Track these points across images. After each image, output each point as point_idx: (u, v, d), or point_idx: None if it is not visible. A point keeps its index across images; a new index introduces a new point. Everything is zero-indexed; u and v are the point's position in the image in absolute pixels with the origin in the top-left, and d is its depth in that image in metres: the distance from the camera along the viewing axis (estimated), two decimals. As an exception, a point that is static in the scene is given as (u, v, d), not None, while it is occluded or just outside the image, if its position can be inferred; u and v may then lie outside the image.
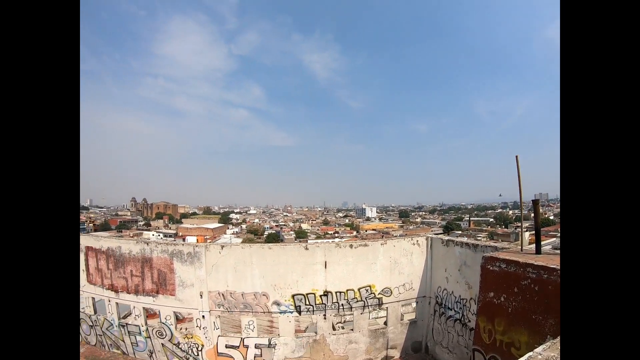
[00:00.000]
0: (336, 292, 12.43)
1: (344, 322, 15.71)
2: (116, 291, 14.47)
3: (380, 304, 12.83)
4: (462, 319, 11.18)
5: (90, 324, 15.54)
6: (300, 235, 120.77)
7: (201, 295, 12.87)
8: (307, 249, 12.62)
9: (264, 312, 12.59)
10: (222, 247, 12.82)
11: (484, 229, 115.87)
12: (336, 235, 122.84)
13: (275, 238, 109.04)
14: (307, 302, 12.38)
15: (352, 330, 12.89)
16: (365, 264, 12.72)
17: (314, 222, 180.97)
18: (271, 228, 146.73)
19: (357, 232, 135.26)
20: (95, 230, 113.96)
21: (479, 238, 67.01)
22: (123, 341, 14.69)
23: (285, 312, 12.43)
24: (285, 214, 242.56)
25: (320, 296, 12.35)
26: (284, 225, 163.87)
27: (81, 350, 15.46)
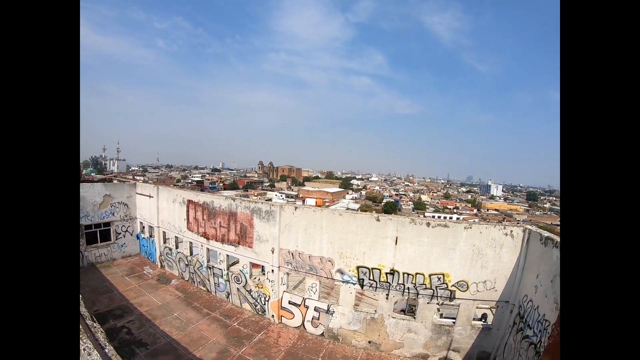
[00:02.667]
0: (404, 273, 11.51)
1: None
2: (207, 238, 16.21)
3: (451, 297, 11.28)
4: (538, 346, 8.78)
5: (186, 262, 17.78)
6: (419, 207, 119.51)
7: (273, 251, 13.55)
8: (378, 220, 11.81)
9: (327, 278, 12.63)
10: (296, 208, 13.19)
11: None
12: (455, 211, 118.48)
13: (392, 207, 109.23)
14: (371, 277, 11.88)
15: (414, 318, 11.89)
16: (442, 248, 11.07)
17: (434, 194, 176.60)
18: (390, 196, 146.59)
19: (478, 210, 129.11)
20: (225, 189, 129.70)
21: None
22: (208, 280, 16.53)
23: (347, 282, 12.22)
24: (406, 183, 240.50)
25: (386, 274, 11.67)
26: (404, 194, 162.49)
27: (175, 283, 17.80)
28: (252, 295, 14.78)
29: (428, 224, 11.19)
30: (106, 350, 4.46)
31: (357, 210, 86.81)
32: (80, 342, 4.24)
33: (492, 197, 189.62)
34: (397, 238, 11.46)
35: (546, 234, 9.79)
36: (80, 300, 6.37)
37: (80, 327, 4.70)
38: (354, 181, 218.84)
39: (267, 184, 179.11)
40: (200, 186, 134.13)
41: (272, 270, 13.74)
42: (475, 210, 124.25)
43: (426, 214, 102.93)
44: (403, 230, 11.43)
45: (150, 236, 20.87)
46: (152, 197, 20.08)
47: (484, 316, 12.78)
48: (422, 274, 11.33)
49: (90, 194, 19.78)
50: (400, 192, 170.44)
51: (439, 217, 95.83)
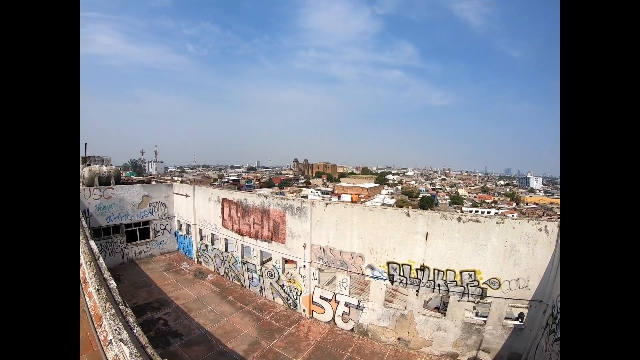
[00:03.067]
0: (434, 270, 11.42)
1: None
2: (241, 235, 16.80)
3: (483, 295, 11.02)
4: None
5: (222, 258, 18.44)
6: (456, 201, 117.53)
7: (304, 247, 13.90)
8: (408, 215, 11.67)
9: (357, 274, 12.78)
10: (327, 204, 13.45)
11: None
12: (493, 205, 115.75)
13: (429, 201, 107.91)
14: (402, 273, 11.90)
15: (444, 316, 11.76)
16: (474, 243, 10.77)
17: (472, 188, 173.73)
18: (427, 191, 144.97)
19: (517, 203, 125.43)
20: (261, 187, 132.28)
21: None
22: (242, 275, 17.10)
23: (378, 277, 12.32)
24: (443, 177, 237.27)
25: (416, 270, 11.65)
26: (440, 189, 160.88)
27: (211, 278, 18.49)
28: (284, 290, 15.18)
29: (459, 219, 10.95)
30: (134, 331, 4.99)
31: (393, 205, 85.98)
32: (113, 323, 4.74)
33: (532, 190, 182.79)
34: (427, 233, 11.36)
35: (584, 229, 9.45)
36: (115, 286, 6.94)
37: (114, 311, 5.22)
38: (389, 176, 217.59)
39: (302, 181, 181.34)
40: (236, 185, 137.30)
41: (304, 266, 14.07)
42: (514, 205, 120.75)
43: (463, 209, 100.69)
44: (433, 225, 11.29)
45: (188, 233, 21.77)
46: (189, 196, 20.98)
47: (521, 315, 12.48)
48: (453, 271, 11.13)
49: (130, 194, 20.94)
50: (437, 187, 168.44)
51: (477, 211, 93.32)
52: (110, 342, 4.70)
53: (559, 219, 8.63)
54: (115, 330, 4.63)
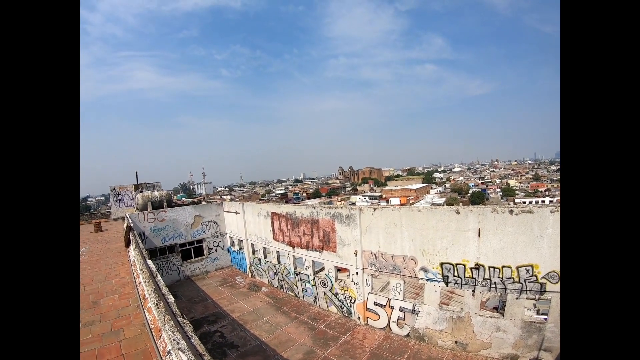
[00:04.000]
0: (489, 267, 11.06)
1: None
2: (292, 246, 17.27)
3: (542, 291, 10.39)
4: None
5: (275, 270, 18.98)
6: (508, 193, 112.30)
7: (355, 254, 14.07)
8: (458, 213, 11.41)
9: (411, 277, 12.71)
10: (375, 209, 13.58)
11: None
12: (547, 193, 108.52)
13: (480, 197, 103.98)
14: (456, 273, 11.69)
15: (502, 316, 11.29)
16: (529, 236, 10.23)
17: (522, 177, 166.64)
18: (476, 186, 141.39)
19: None
20: (308, 198, 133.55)
21: None
22: (296, 286, 17.50)
23: (432, 280, 12.20)
24: (491, 169, 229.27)
25: (471, 269, 11.37)
26: (490, 182, 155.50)
27: (265, 290, 19.04)
28: (338, 298, 15.35)
29: (511, 212, 10.55)
30: (192, 340, 5.27)
31: (443, 204, 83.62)
32: (171, 334, 5.02)
33: None
34: (479, 230, 11.07)
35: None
36: (173, 300, 7.34)
37: (172, 323, 5.52)
38: (436, 174, 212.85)
39: (349, 189, 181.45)
40: (284, 198, 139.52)
41: (357, 273, 14.18)
42: None
43: (516, 200, 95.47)
44: (485, 221, 10.99)
45: (240, 249, 22.60)
46: (238, 213, 21.88)
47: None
48: (509, 267, 10.71)
49: (182, 216, 22.18)
50: (486, 180, 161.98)
51: (530, 202, 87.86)
52: (169, 352, 4.94)
53: (560, 218, 8.28)
54: (174, 340, 4.89)
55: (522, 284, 10.67)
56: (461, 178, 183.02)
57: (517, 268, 10.67)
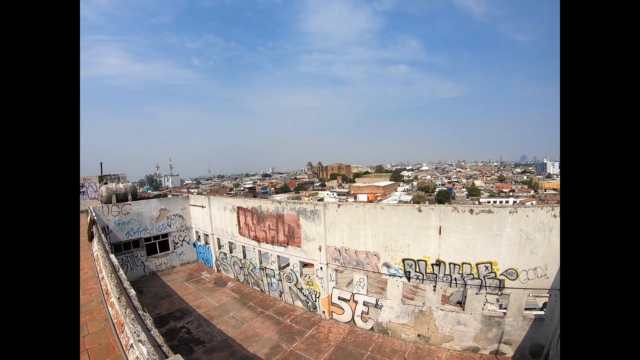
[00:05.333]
0: (450, 264, 11.39)
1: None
2: (258, 241, 17.10)
3: (500, 287, 10.91)
4: None
5: (241, 265, 18.80)
6: (473, 193, 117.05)
7: (320, 249, 14.08)
8: (420, 210, 11.82)
9: (374, 272, 12.86)
10: (339, 205, 13.60)
11: None
12: (511, 194, 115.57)
13: (446, 195, 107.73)
14: (417, 269, 11.92)
15: (463, 310, 11.69)
16: (488, 235, 10.63)
17: (488, 178, 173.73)
18: (443, 185, 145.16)
19: (535, 190, 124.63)
20: (277, 193, 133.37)
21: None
22: (262, 281, 17.41)
23: (394, 275, 12.38)
24: (458, 169, 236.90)
25: (432, 265, 11.65)
26: (456, 181, 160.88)
27: (231, 285, 18.80)
28: (303, 293, 15.36)
29: (471, 211, 10.87)
30: (152, 333, 5.31)
31: (410, 201, 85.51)
32: (132, 327, 5.07)
33: (549, 176, 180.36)
34: (440, 228, 11.33)
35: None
36: (134, 294, 7.40)
37: (133, 316, 5.54)
38: (404, 172, 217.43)
39: (317, 184, 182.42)
40: (252, 193, 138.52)
41: (321, 268, 14.23)
42: (532, 192, 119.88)
43: (481, 200, 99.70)
44: (446, 219, 11.26)
45: (206, 243, 22.19)
46: (205, 207, 21.40)
47: (546, 305, 12.34)
48: (469, 264, 11.06)
49: (147, 209, 21.50)
50: (453, 180, 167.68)
51: (494, 202, 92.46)
52: (131, 345, 4.95)
53: (560, 218, 8.50)
54: (135, 332, 4.93)
55: (481, 280, 11.02)
56: (428, 177, 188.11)
57: (477, 265, 11.00)
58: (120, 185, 22.83)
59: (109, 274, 8.11)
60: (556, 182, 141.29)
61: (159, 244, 22.26)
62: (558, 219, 9.98)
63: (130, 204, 20.93)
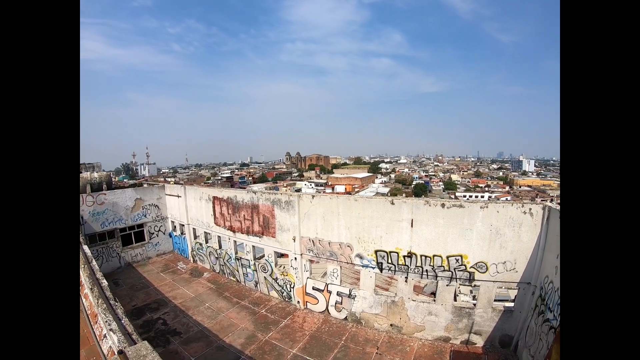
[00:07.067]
0: (421, 256, 11.61)
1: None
2: (234, 231, 17.03)
3: (471, 279, 11.22)
4: (557, 329, 8.45)
5: (216, 256, 18.71)
6: (449, 187, 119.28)
7: (294, 240, 14.15)
8: (393, 203, 11.90)
9: (347, 263, 13.03)
10: (313, 197, 13.67)
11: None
12: (487, 189, 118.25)
13: (422, 188, 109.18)
14: (390, 261, 12.12)
15: (434, 301, 11.96)
16: (459, 229, 10.95)
17: (465, 173, 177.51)
18: (420, 178, 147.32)
19: (511, 187, 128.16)
20: (254, 183, 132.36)
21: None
22: (237, 271, 17.39)
23: (367, 266, 12.56)
24: (435, 163, 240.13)
25: (404, 257, 11.86)
26: (434, 175, 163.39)
27: (207, 276, 18.68)
28: (278, 283, 15.43)
29: (443, 205, 11.11)
30: (122, 322, 5.47)
31: (387, 194, 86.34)
32: (104, 316, 5.15)
33: (524, 173, 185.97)
34: (412, 220, 11.52)
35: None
36: (106, 284, 7.40)
37: (105, 305, 5.56)
38: (382, 165, 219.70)
39: (295, 174, 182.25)
40: (230, 182, 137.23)
41: (295, 258, 14.32)
42: (507, 188, 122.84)
43: (457, 194, 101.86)
44: (418, 212, 11.44)
45: (182, 234, 21.93)
46: (180, 196, 21.09)
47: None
48: (440, 256, 11.32)
49: (122, 199, 20.99)
50: (430, 173, 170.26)
51: (470, 196, 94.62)
52: (104, 336, 5.03)
53: (560, 213, 8.64)
54: (106, 322, 5.01)
55: (452, 272, 11.34)
56: (406, 170, 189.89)
57: (448, 257, 11.30)
58: (95, 175, 22.19)
59: (82, 266, 8.14)
60: (531, 179, 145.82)
61: (134, 235, 21.85)
62: (528, 215, 10.31)
63: (105, 194, 20.38)
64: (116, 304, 6.30)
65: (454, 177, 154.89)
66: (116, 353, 4.48)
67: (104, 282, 7.50)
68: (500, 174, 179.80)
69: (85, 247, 9.67)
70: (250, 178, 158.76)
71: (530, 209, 10.33)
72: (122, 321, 5.52)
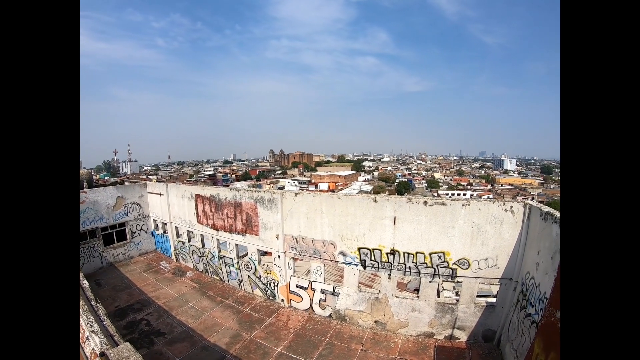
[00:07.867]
0: (404, 253, 11.70)
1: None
2: (216, 229, 16.85)
3: (453, 275, 11.37)
4: (539, 324, 8.52)
5: (199, 254, 18.49)
6: (432, 185, 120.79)
7: (277, 238, 14.08)
8: (376, 201, 11.97)
9: (330, 261, 13.06)
10: (296, 194, 13.62)
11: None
12: (469, 187, 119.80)
13: (406, 186, 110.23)
14: (373, 258, 12.18)
15: (417, 297, 12.07)
16: (441, 226, 11.07)
17: (447, 171, 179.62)
18: (403, 176, 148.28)
19: (492, 185, 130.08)
20: (237, 180, 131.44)
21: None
22: (221, 270, 17.25)
23: (350, 263, 12.59)
24: (418, 162, 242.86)
25: (387, 254, 11.94)
26: (417, 173, 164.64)
27: (190, 275, 18.48)
28: (262, 282, 15.35)
29: (425, 203, 11.20)
30: (104, 323, 5.49)
31: (371, 191, 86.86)
32: (86, 317, 5.06)
33: (506, 172, 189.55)
34: (395, 218, 11.58)
35: (546, 209, 9.37)
36: (87, 285, 7.28)
37: (87, 307, 5.46)
38: (365, 163, 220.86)
39: (279, 172, 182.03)
40: (213, 180, 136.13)
41: (279, 256, 14.25)
42: (489, 186, 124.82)
43: (440, 192, 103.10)
44: (401, 210, 11.52)
45: (164, 232, 21.59)
46: (162, 194, 20.73)
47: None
48: (423, 253, 11.42)
49: (103, 197, 20.50)
50: (413, 171, 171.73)
51: (452, 194, 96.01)
52: (87, 338, 5.00)
53: (559, 214, 8.71)
54: (88, 324, 5.01)
55: (434, 268, 11.46)
56: (389, 168, 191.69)
57: (430, 254, 11.41)
58: (74, 172, 21.64)
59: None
60: (512, 178, 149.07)
61: (116, 234, 21.40)
62: (509, 213, 10.47)
63: (86, 192, 19.87)
64: (98, 305, 6.29)
65: (437, 175, 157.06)
66: (98, 355, 4.47)
67: (85, 283, 7.42)
68: (483, 172, 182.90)
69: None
70: (233, 176, 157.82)
71: (511, 206, 10.47)
72: (104, 322, 5.54)
